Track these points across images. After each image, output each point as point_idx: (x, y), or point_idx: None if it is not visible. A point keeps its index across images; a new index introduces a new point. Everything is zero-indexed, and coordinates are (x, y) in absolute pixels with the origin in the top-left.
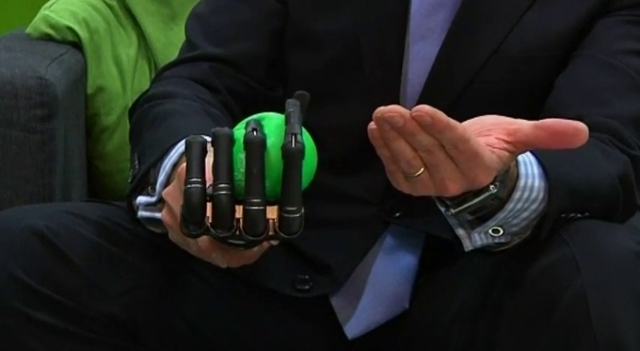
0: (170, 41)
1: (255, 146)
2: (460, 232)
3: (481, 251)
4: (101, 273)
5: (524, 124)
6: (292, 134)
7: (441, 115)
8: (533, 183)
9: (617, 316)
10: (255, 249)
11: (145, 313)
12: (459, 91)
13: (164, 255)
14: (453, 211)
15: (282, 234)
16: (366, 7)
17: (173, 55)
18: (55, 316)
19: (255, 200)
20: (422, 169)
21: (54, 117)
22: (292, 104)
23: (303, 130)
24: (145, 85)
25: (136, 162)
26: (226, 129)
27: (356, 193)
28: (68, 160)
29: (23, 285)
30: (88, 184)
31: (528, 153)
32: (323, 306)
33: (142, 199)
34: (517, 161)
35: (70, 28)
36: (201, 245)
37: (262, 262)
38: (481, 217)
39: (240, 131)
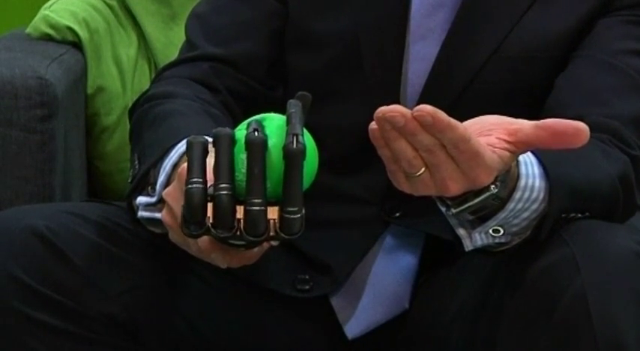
0: (170, 41)
1: (257, 146)
2: (460, 231)
3: (481, 251)
4: (101, 273)
5: (524, 124)
6: (294, 135)
7: (442, 114)
8: (533, 183)
9: (618, 316)
10: (256, 249)
11: (145, 313)
12: (459, 91)
13: (164, 255)
14: (453, 210)
15: (282, 234)
16: (366, 7)
17: (173, 55)
18: (55, 316)
19: (256, 200)
20: (423, 169)
21: (54, 117)
22: (294, 105)
23: (305, 130)
24: (145, 85)
25: (136, 162)
26: (228, 129)
27: (356, 193)
28: (68, 160)
29: (23, 285)
30: (88, 184)
31: (529, 153)
32: (323, 306)
33: (142, 199)
34: (518, 161)
35: (70, 28)
36: (201, 245)
37: (262, 262)
38: (482, 216)
39: (241, 132)
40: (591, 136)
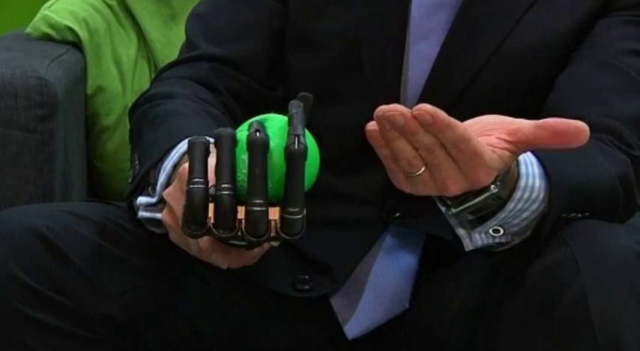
0: (170, 41)
1: (258, 147)
2: (460, 231)
3: (481, 251)
4: (101, 273)
5: (525, 124)
6: (295, 136)
7: (442, 114)
8: (533, 183)
9: (617, 316)
10: (256, 250)
11: (145, 313)
12: (460, 91)
13: (164, 255)
14: (453, 210)
15: (284, 235)
16: (366, 8)
17: (173, 55)
18: (55, 316)
19: (258, 201)
20: (422, 169)
21: (54, 117)
22: (295, 106)
23: (306, 131)
24: (145, 85)
25: (137, 162)
26: (229, 129)
27: (356, 193)
28: (68, 160)
29: (23, 285)
30: (88, 184)
31: (529, 153)
32: (323, 306)
33: (142, 199)
34: (518, 161)
35: (69, 28)
36: (201, 246)
37: (262, 262)
38: (481, 216)
39: (243, 133)
40: (591, 136)
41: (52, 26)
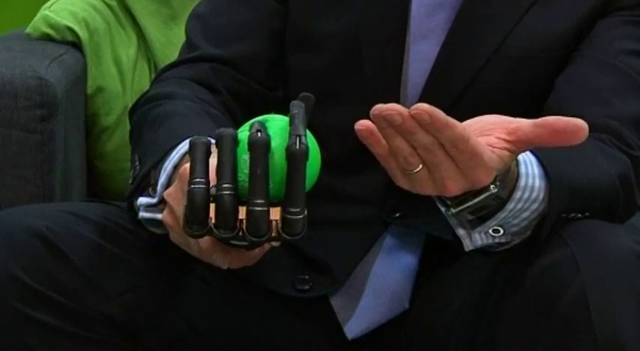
0: (170, 41)
1: (260, 147)
2: (460, 231)
3: (481, 251)
4: (101, 273)
5: (524, 123)
6: (296, 136)
7: (440, 113)
8: (533, 183)
9: (618, 316)
10: (257, 250)
11: (145, 313)
12: (460, 91)
13: (164, 255)
14: (453, 210)
15: (285, 235)
16: (366, 8)
17: (173, 55)
18: (55, 316)
19: (259, 201)
20: (420, 166)
21: (54, 117)
22: (297, 106)
23: (307, 132)
24: (145, 85)
25: (137, 163)
26: (230, 130)
27: (356, 193)
28: (68, 160)
29: (23, 285)
30: (88, 184)
31: (528, 152)
32: (323, 306)
33: (142, 200)
34: (517, 161)
35: (69, 28)
36: (202, 246)
37: (262, 263)
38: (481, 216)
39: (244, 133)
40: (591, 136)
41: (52, 26)
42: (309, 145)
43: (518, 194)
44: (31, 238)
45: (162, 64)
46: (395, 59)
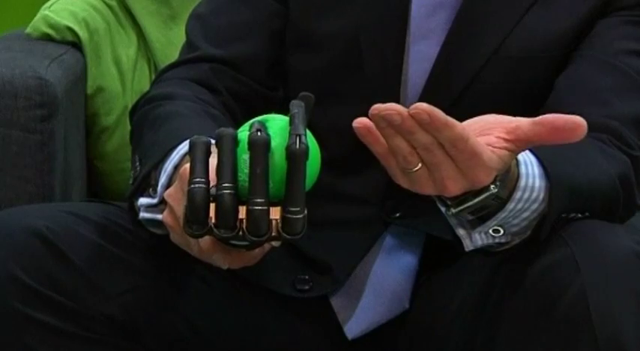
0: (170, 41)
1: (260, 146)
2: (460, 231)
3: (481, 251)
4: (101, 273)
5: (523, 122)
6: (296, 135)
7: (439, 113)
8: (533, 183)
9: (618, 316)
10: (257, 250)
11: (145, 313)
12: (460, 91)
13: (164, 255)
14: (453, 210)
15: (285, 235)
16: (366, 8)
17: (173, 55)
18: (55, 316)
19: (259, 200)
20: (419, 165)
21: (54, 117)
22: (296, 105)
23: (307, 131)
24: (145, 85)
25: (137, 163)
26: (230, 129)
27: (356, 193)
28: (68, 160)
29: (23, 285)
30: (88, 184)
31: (528, 153)
32: (323, 306)
33: (143, 200)
34: (517, 161)
35: (69, 28)
36: (202, 246)
37: (262, 263)
38: (481, 216)
39: (244, 133)
40: (591, 136)
41: (52, 26)
42: (309, 144)
43: (518, 194)
44: (31, 238)
45: (162, 64)
46: (395, 59)
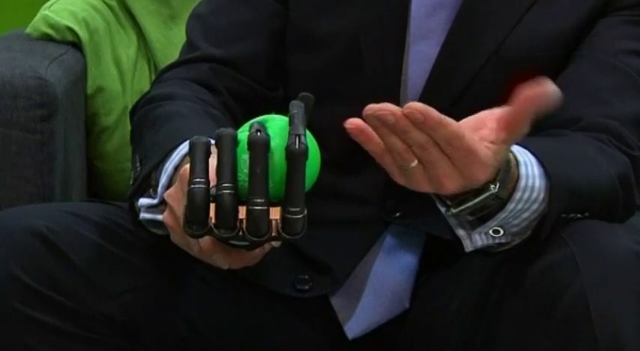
0: (170, 41)
1: (259, 146)
2: (460, 232)
3: (481, 252)
4: (101, 273)
5: (508, 107)
6: (296, 136)
7: (433, 112)
8: (533, 183)
9: (618, 317)
10: (257, 251)
11: (145, 313)
12: (460, 91)
13: (164, 255)
14: (453, 211)
15: (285, 235)
16: (366, 8)
17: (173, 55)
18: (55, 316)
19: (259, 200)
20: (415, 162)
21: (54, 117)
22: (296, 106)
23: (307, 131)
24: (145, 85)
25: (138, 164)
26: (230, 130)
27: (356, 193)
28: (68, 160)
29: (23, 285)
30: (88, 184)
31: (528, 153)
32: (323, 306)
33: (143, 201)
34: (518, 162)
35: (69, 28)
36: (203, 246)
37: (262, 263)
38: (481, 217)
39: (244, 133)
40: (591, 136)
41: (52, 26)
42: (309, 144)
43: (518, 195)
44: (31, 238)
45: (162, 64)
46: (395, 59)
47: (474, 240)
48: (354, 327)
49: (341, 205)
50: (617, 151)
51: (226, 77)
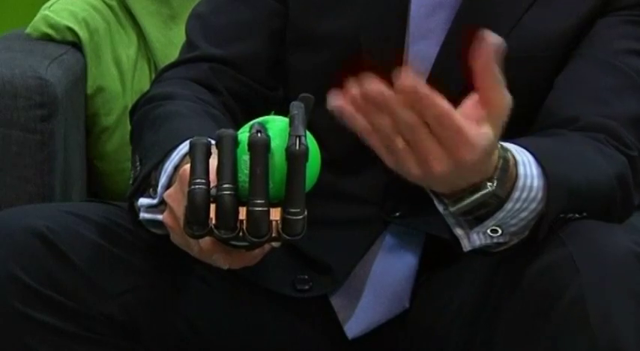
0: (170, 41)
1: (260, 147)
2: (458, 231)
3: (480, 252)
4: (101, 273)
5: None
6: (296, 136)
7: (424, 87)
8: (532, 183)
9: (616, 317)
10: (257, 251)
11: (145, 313)
12: (459, 91)
13: (164, 255)
14: (450, 209)
15: (285, 236)
16: (366, 8)
17: (173, 55)
18: (55, 316)
19: (259, 201)
20: (403, 143)
21: (54, 117)
22: (296, 107)
23: (307, 132)
24: (145, 85)
25: (138, 164)
26: (231, 130)
27: (356, 193)
28: (68, 160)
29: (23, 285)
30: (88, 184)
31: (527, 153)
32: (323, 306)
33: (143, 201)
34: (516, 161)
35: (69, 28)
36: (203, 246)
37: (262, 263)
38: (479, 216)
39: (244, 134)
40: (589, 136)
41: (52, 26)
42: (309, 145)
43: (516, 194)
44: (31, 238)
45: (162, 64)
46: (395, 59)
47: (472, 239)
48: (353, 327)
49: (341, 205)
50: (616, 151)
51: (226, 77)
